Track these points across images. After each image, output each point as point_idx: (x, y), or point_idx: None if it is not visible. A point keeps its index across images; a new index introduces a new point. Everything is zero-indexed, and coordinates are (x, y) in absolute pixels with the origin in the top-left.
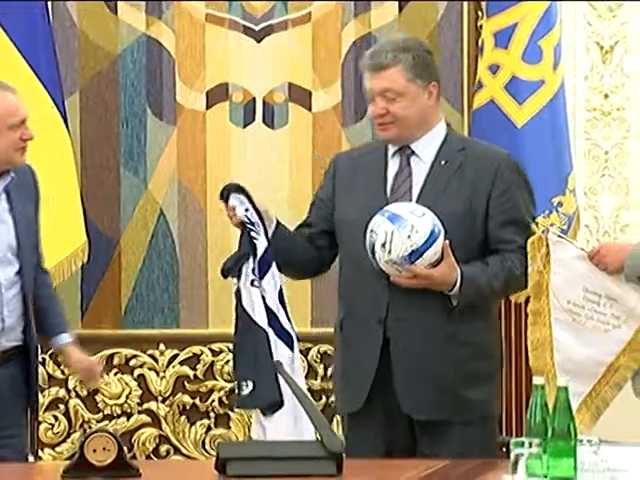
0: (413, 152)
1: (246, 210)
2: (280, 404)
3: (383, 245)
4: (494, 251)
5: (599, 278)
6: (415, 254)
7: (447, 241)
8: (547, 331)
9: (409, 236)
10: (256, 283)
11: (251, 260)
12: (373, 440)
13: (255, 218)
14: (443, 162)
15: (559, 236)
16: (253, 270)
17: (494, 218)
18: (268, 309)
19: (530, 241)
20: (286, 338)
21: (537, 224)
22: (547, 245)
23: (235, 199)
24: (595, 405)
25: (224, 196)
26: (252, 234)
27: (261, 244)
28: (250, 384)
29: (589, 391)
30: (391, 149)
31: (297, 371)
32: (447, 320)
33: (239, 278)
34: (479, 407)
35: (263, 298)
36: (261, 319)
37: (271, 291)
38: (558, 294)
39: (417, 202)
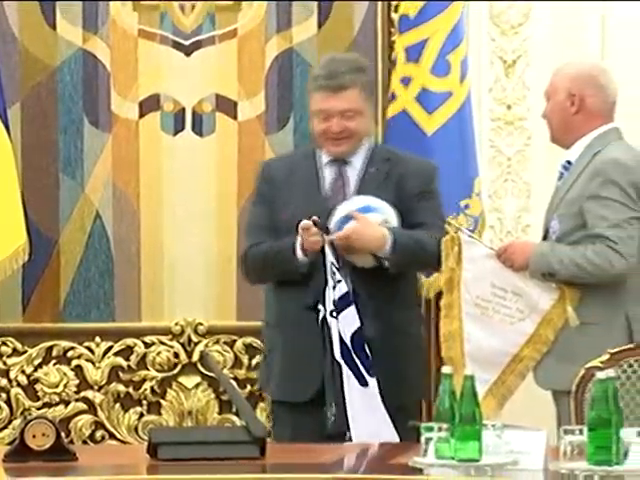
0: (346, 162)
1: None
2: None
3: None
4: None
5: (506, 275)
6: (346, 218)
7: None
8: (458, 323)
9: (351, 201)
10: (334, 314)
11: (332, 291)
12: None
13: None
14: (373, 169)
15: (470, 236)
16: (334, 301)
17: (415, 211)
18: (342, 342)
19: (444, 240)
20: (357, 373)
21: (450, 224)
22: (459, 244)
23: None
24: (501, 393)
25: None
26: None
27: (342, 286)
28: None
29: (495, 379)
30: (324, 158)
31: (373, 406)
32: (388, 309)
33: (324, 304)
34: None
35: (339, 331)
36: (336, 350)
37: (347, 326)
38: (468, 289)
39: None
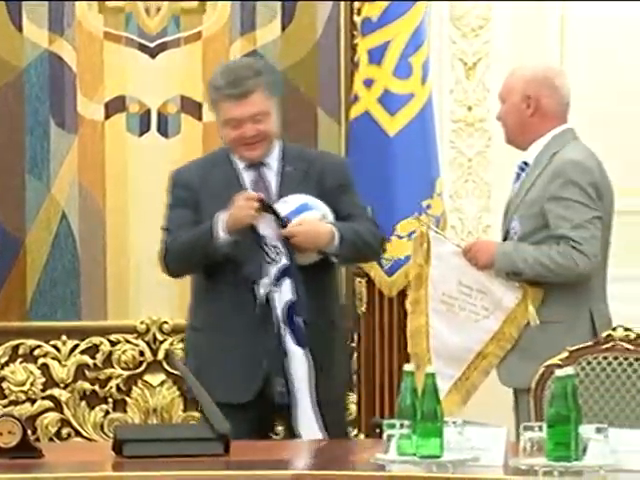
0: (262, 163)
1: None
2: None
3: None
4: None
5: (472, 272)
6: (294, 213)
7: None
8: (424, 319)
9: (285, 202)
10: (275, 287)
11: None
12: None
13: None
14: (290, 168)
15: (438, 233)
16: (275, 275)
17: (339, 204)
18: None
19: (414, 237)
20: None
21: (420, 221)
22: (428, 241)
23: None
24: (465, 389)
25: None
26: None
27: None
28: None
29: (459, 375)
30: (241, 163)
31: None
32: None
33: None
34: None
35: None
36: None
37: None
38: (435, 286)
39: None
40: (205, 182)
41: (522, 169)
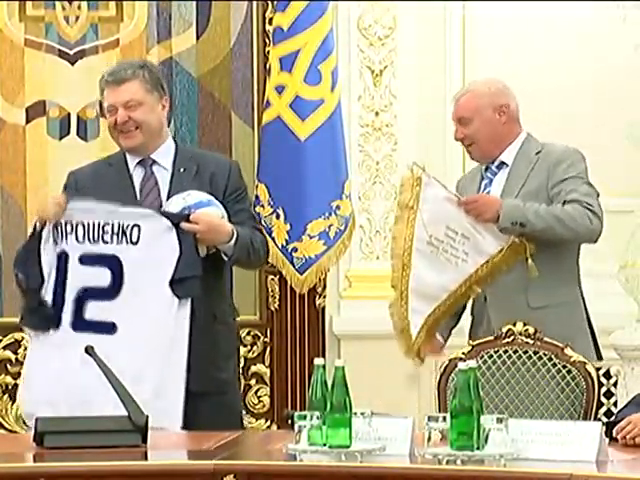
0: (154, 161)
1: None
2: None
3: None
4: None
5: (460, 218)
6: (186, 209)
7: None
8: (407, 258)
9: (184, 198)
10: None
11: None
12: None
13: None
14: (182, 169)
15: (433, 178)
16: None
17: (233, 210)
18: None
19: (405, 177)
20: None
21: (415, 164)
22: (420, 184)
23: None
24: (429, 324)
25: None
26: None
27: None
28: None
29: (430, 312)
30: (132, 161)
31: None
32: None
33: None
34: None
35: None
36: None
37: None
38: (425, 228)
39: None
40: (97, 182)
41: (494, 172)
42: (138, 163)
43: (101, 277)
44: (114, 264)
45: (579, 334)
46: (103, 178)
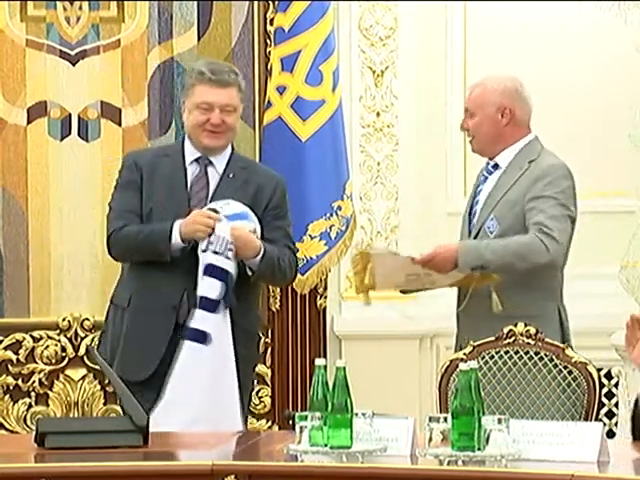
0: (210, 162)
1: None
2: None
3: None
4: None
5: (415, 268)
6: (232, 217)
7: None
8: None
9: (222, 207)
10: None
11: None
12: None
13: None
14: (231, 175)
15: (381, 249)
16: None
17: (269, 226)
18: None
19: (354, 257)
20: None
21: (367, 246)
22: (369, 260)
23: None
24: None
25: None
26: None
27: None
28: None
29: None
30: (189, 156)
31: None
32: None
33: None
34: None
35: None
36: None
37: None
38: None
39: None
40: (153, 169)
41: (490, 172)
42: (195, 160)
43: (213, 288)
44: (228, 279)
45: None
46: (159, 166)
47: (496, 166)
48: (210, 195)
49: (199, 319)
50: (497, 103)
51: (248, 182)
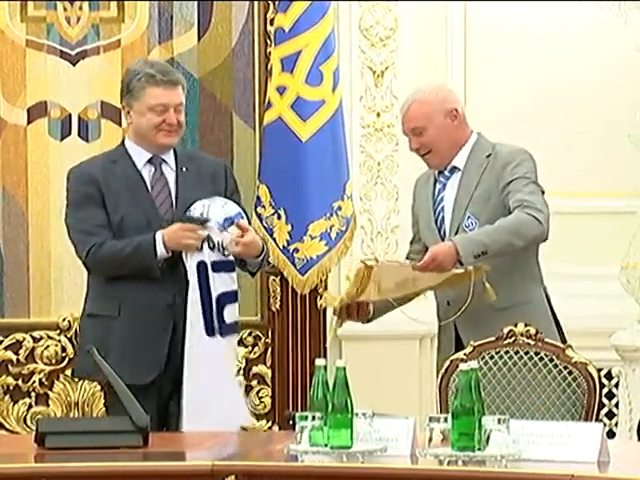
0: (163, 160)
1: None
2: None
3: (201, 214)
4: None
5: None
6: (228, 221)
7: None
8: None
9: (222, 206)
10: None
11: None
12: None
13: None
14: (184, 169)
15: (382, 262)
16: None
17: None
18: (208, 292)
19: (358, 270)
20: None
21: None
22: (370, 275)
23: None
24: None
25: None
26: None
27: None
28: None
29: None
30: (139, 159)
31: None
32: None
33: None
34: None
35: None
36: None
37: (222, 284)
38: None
39: (176, 204)
40: (107, 179)
41: (447, 177)
42: (148, 161)
43: (227, 281)
44: (233, 269)
45: (547, 333)
46: (111, 174)
47: (453, 170)
48: (173, 193)
49: (231, 312)
50: (443, 109)
51: (201, 172)
